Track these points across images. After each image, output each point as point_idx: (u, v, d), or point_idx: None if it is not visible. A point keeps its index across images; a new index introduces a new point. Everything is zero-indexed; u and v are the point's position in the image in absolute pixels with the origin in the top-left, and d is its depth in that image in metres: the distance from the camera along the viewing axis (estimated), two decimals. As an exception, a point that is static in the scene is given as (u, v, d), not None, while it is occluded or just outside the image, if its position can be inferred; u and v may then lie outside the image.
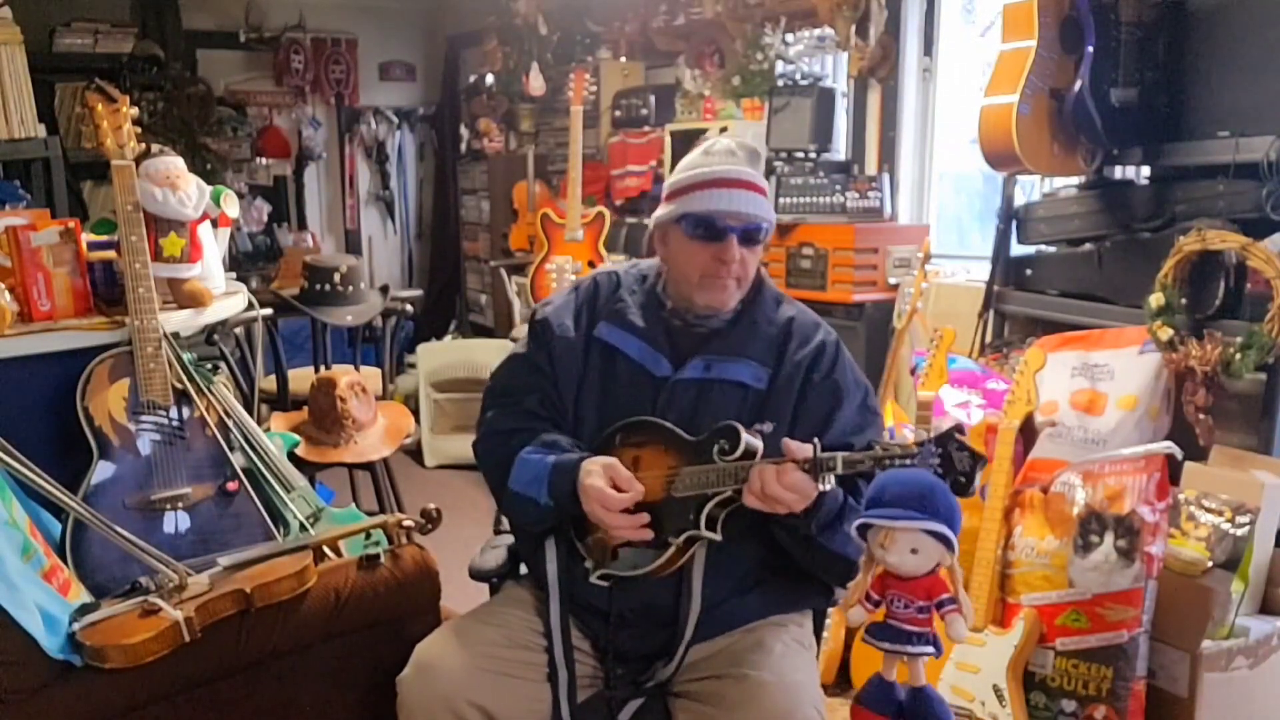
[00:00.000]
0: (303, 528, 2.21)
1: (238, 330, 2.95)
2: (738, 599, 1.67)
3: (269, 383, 3.40)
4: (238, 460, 2.21)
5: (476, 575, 1.88)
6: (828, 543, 1.57)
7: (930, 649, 1.56)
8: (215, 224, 2.51)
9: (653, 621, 1.66)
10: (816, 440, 1.48)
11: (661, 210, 1.72)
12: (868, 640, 1.61)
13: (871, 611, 1.59)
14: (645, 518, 1.57)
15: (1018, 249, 3.05)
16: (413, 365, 5.25)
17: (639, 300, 1.75)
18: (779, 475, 1.46)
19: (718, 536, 1.56)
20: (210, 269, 2.40)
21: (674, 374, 1.68)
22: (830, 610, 2.47)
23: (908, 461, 1.41)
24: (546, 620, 1.68)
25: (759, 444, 1.53)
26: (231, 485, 2.17)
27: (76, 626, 1.61)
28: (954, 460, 1.39)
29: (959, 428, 1.41)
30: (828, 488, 1.48)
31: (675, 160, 4.39)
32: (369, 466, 3.20)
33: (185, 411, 2.14)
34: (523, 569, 1.85)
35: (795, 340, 1.70)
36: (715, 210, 1.64)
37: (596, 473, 1.58)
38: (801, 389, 1.67)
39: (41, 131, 3.08)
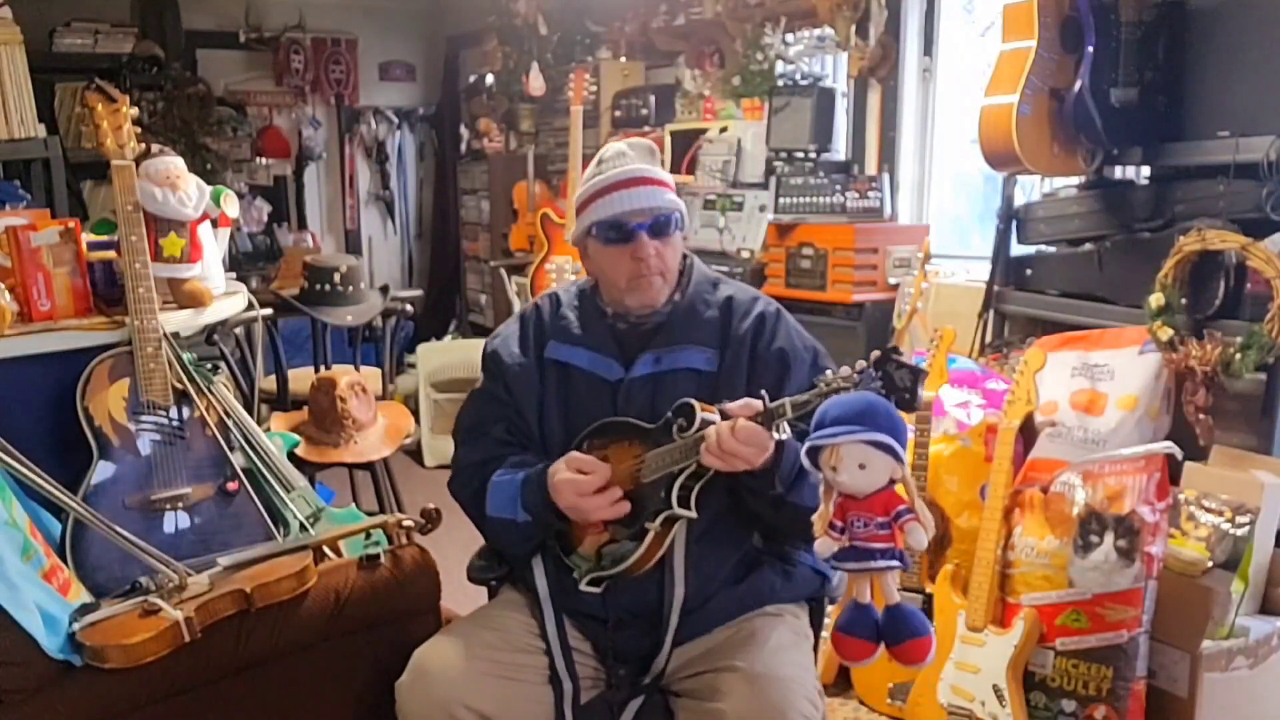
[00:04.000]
0: (303, 528, 2.21)
1: (238, 330, 2.94)
2: (727, 591, 1.68)
3: (269, 383, 3.40)
4: (238, 460, 2.20)
5: (475, 578, 1.89)
6: (797, 499, 1.59)
7: (896, 562, 1.56)
8: (215, 224, 2.50)
9: (650, 620, 1.66)
10: (764, 392, 1.51)
11: (573, 228, 1.77)
12: (835, 565, 1.61)
13: (838, 539, 1.58)
14: (619, 492, 1.61)
15: (1018, 249, 3.05)
16: (413, 365, 5.25)
17: (580, 314, 1.80)
18: (734, 430, 1.49)
19: (693, 513, 1.58)
20: (210, 269, 2.40)
21: (626, 374, 1.72)
22: (830, 608, 2.48)
23: (851, 389, 1.45)
24: (544, 624, 1.69)
25: (715, 417, 1.56)
26: (231, 485, 2.17)
27: (76, 626, 1.61)
28: (895, 379, 1.43)
29: (895, 348, 1.45)
30: (783, 436, 1.51)
31: (675, 161, 4.42)
32: (369, 466, 3.20)
33: (185, 411, 2.13)
34: None
35: (735, 317, 1.73)
36: (618, 213, 1.68)
37: (560, 469, 1.63)
38: (750, 363, 1.71)
39: (41, 131, 3.08)
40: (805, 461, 1.54)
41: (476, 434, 1.80)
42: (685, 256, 1.79)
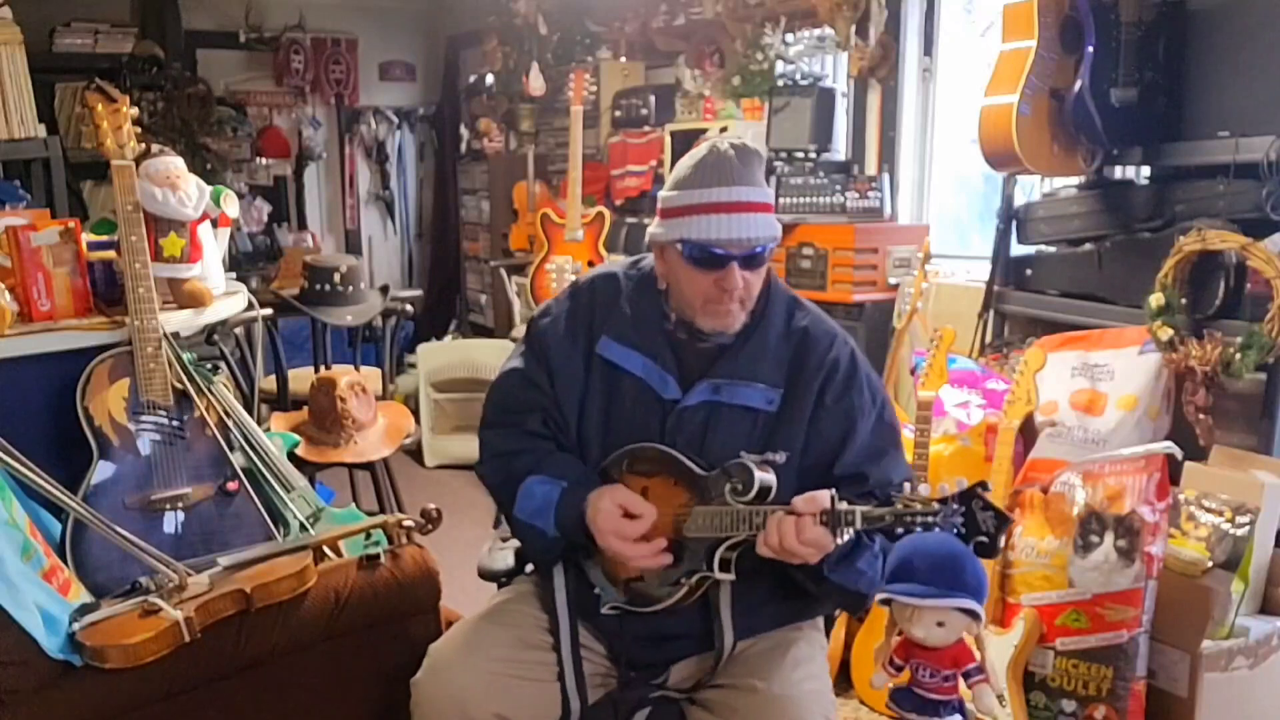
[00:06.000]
0: (303, 528, 2.21)
1: (238, 330, 2.94)
2: (756, 613, 1.65)
3: (269, 383, 3.40)
4: (238, 460, 2.21)
5: (485, 575, 1.88)
6: (840, 579, 1.53)
7: (958, 716, 1.55)
8: (215, 224, 2.51)
9: (668, 638, 1.64)
10: (834, 492, 1.43)
11: (657, 228, 1.61)
12: (892, 708, 1.60)
13: (894, 676, 1.58)
14: (663, 543, 1.54)
15: (1018, 249, 3.05)
16: (413, 365, 5.25)
17: (641, 311, 1.66)
18: (799, 530, 1.41)
19: (731, 577, 1.52)
20: (210, 269, 2.40)
21: (682, 398, 1.60)
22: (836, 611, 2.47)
23: (930, 519, 1.35)
24: (555, 617, 1.66)
25: (773, 480, 1.49)
26: (231, 485, 2.17)
27: (76, 626, 1.61)
28: (978, 520, 1.34)
29: (983, 484, 1.36)
30: (844, 540, 1.43)
31: (675, 161, 4.40)
32: (369, 466, 3.20)
33: (185, 411, 2.13)
34: (530, 566, 1.84)
35: (807, 357, 1.61)
36: (713, 239, 1.52)
37: (606, 507, 1.54)
38: (814, 413, 1.59)
39: (41, 131, 3.08)
40: (865, 569, 1.51)
41: (509, 420, 1.69)
42: (767, 275, 1.65)
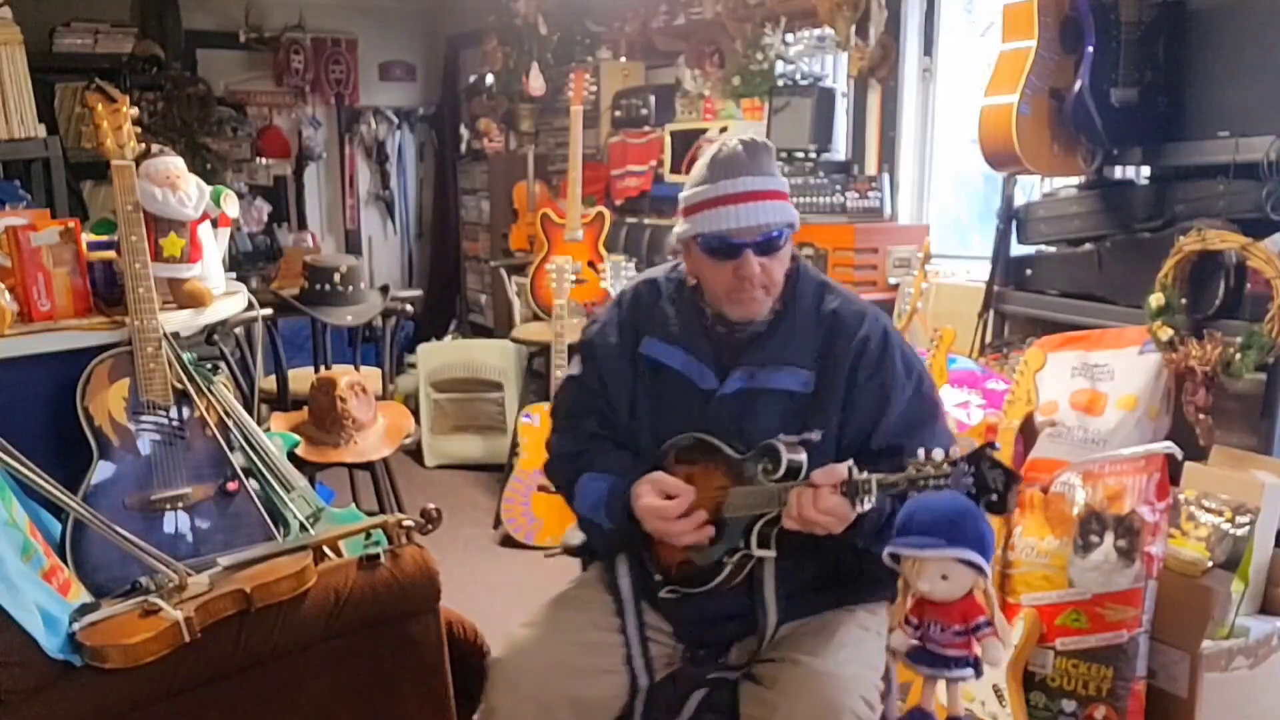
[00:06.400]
0: (303, 528, 2.21)
1: (238, 330, 2.94)
2: (802, 595, 1.70)
3: (269, 383, 3.40)
4: (238, 460, 2.21)
5: (568, 551, 1.96)
6: (878, 551, 1.60)
7: (970, 671, 1.57)
8: (215, 224, 2.51)
9: (720, 619, 1.71)
10: (851, 463, 1.49)
11: (679, 226, 1.71)
12: (909, 665, 1.62)
13: (912, 635, 1.60)
14: (703, 515, 1.61)
15: (1018, 249, 3.04)
16: (413, 365, 5.25)
17: (679, 309, 1.76)
18: (815, 500, 1.48)
19: (772, 553, 1.59)
20: (210, 269, 2.40)
21: (719, 387, 1.69)
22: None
23: (941, 481, 1.41)
24: (620, 602, 1.74)
25: (802, 459, 1.54)
26: (231, 485, 2.17)
27: (76, 626, 1.61)
28: (987, 479, 1.39)
29: (990, 444, 1.41)
30: (866, 509, 1.48)
31: (675, 161, 4.42)
32: (369, 466, 3.20)
33: (185, 411, 2.14)
34: None
35: (838, 337, 1.68)
36: (725, 229, 1.62)
37: (645, 492, 1.64)
38: (848, 391, 1.66)
39: (41, 131, 3.08)
40: (887, 559, 1.57)
41: (569, 423, 1.82)
42: (794, 259, 1.74)
